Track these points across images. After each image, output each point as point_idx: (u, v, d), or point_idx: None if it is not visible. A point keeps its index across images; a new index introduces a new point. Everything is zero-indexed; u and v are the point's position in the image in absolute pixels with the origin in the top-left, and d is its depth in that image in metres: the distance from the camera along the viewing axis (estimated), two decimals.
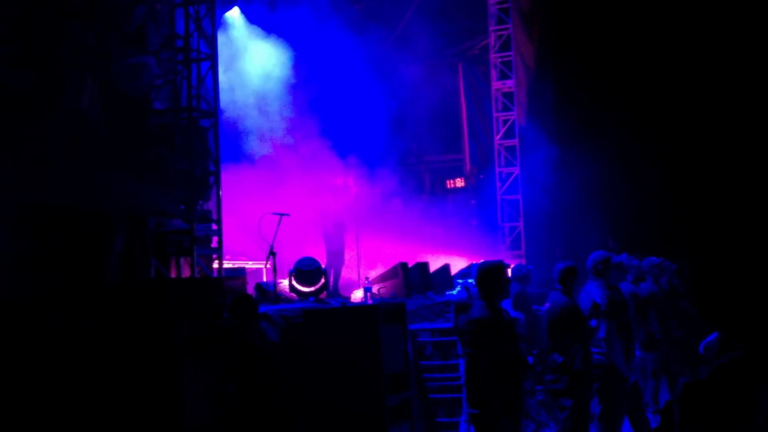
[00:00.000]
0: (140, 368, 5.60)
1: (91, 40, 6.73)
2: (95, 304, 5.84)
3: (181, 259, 8.12)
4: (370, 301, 8.59)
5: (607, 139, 13.56)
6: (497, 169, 15.24)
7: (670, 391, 8.87)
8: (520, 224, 14.87)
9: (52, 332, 5.38)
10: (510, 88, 15.19)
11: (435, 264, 12.33)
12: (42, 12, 6.27)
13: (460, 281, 9.49)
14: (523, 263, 13.41)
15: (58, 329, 5.42)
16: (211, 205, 8.52)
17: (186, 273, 8.03)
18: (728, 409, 1.58)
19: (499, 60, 15.29)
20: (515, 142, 15.05)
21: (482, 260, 10.40)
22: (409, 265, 10.64)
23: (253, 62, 13.04)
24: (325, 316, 7.54)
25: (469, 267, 11.16)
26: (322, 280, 8.79)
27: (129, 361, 5.58)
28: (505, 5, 15.15)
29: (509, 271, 10.20)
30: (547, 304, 6.59)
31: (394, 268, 10.55)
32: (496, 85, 15.34)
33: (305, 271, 8.72)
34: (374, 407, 7.10)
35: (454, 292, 9.54)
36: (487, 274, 5.79)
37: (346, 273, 11.79)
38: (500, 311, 5.81)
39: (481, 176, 16.32)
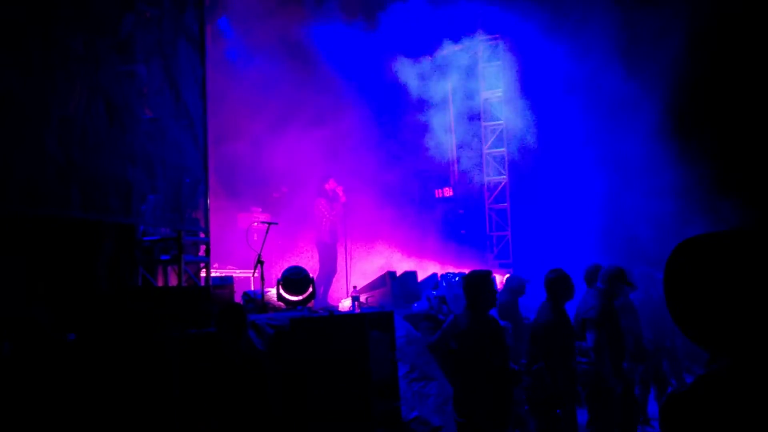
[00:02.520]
0: (128, 377, 5.57)
1: (80, 46, 6.70)
2: (83, 312, 5.80)
3: (169, 268, 8.08)
4: (357, 310, 8.57)
5: (596, 145, 13.61)
6: (485, 179, 15.30)
7: (657, 401, 8.89)
8: (508, 233, 14.92)
9: (40, 341, 5.34)
10: (498, 97, 15.26)
11: (423, 273, 12.34)
12: (30, 18, 6.24)
13: (434, 292, 9.55)
14: (511, 272, 13.48)
15: (47, 338, 5.38)
16: (199, 213, 8.49)
17: (173, 281, 7.99)
18: (710, 423, 1.58)
19: (488, 69, 15.37)
20: (503, 151, 15.11)
21: (452, 271, 10.45)
22: (398, 275, 10.65)
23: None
24: (312, 325, 7.52)
25: (433, 277, 11.23)
26: (310, 289, 8.76)
27: (116, 369, 5.55)
28: (494, 14, 15.23)
29: (503, 281, 10.25)
30: (533, 317, 6.61)
31: (383, 277, 10.56)
32: (484, 94, 15.42)
33: (293, 279, 8.69)
34: (362, 415, 7.08)
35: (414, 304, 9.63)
36: (474, 284, 5.79)
37: (334, 282, 11.78)
38: (488, 321, 5.81)
39: (469, 185, 16.36)
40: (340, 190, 11.50)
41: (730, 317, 1.62)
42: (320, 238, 11.29)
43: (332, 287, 11.46)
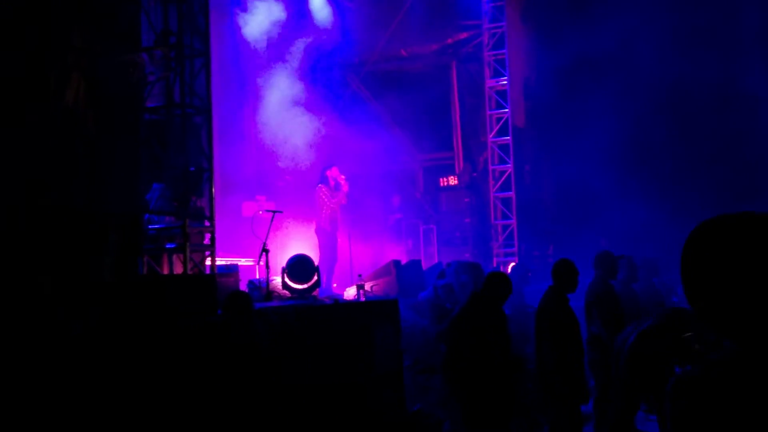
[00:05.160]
0: (134, 366, 5.59)
1: (77, 38, 6.69)
2: (89, 302, 5.83)
3: (174, 256, 8.10)
4: (362, 299, 8.58)
5: (601, 135, 13.58)
6: (490, 167, 15.26)
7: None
8: (513, 222, 14.90)
9: (46, 331, 5.36)
10: (503, 86, 15.21)
11: (428, 262, 12.36)
12: (25, 10, 6.24)
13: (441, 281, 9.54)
14: (516, 261, 13.48)
15: (53, 328, 5.40)
16: (203, 201, 8.51)
17: (178, 270, 8.02)
18: (724, 406, 1.58)
19: (493, 58, 15.31)
20: (508, 140, 15.07)
21: (457, 260, 10.46)
22: (402, 263, 10.66)
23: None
24: (318, 314, 7.55)
25: (438, 265, 11.26)
26: (315, 278, 8.78)
27: (123, 358, 5.58)
28: (499, 3, 15.17)
29: (508, 269, 10.28)
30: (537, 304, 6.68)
31: (387, 265, 10.57)
32: (489, 83, 15.36)
33: (298, 268, 8.72)
34: (365, 405, 7.11)
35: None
36: (500, 283, 5.94)
37: (339, 270, 11.80)
38: (494, 311, 5.87)
39: (474, 174, 16.35)
40: (342, 179, 11.49)
41: (747, 299, 1.61)
42: (321, 225, 11.29)
43: (334, 275, 11.48)
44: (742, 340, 1.62)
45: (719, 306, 1.65)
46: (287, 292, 8.67)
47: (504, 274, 6.19)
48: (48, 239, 6.23)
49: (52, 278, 6.11)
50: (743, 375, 1.57)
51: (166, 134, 8.10)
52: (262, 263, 8.69)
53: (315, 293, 8.78)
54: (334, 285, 11.20)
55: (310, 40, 13.88)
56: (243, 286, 8.77)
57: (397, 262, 10.48)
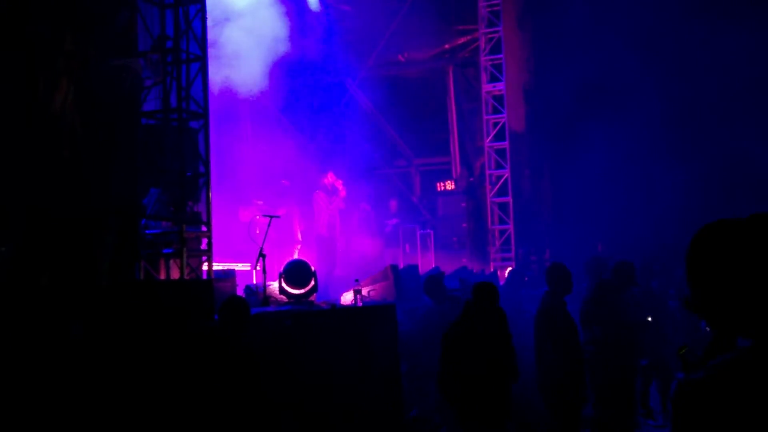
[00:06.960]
0: (131, 370, 5.57)
1: (70, 43, 6.67)
2: (86, 305, 5.80)
3: (170, 261, 8.08)
4: (359, 304, 8.56)
5: (598, 141, 13.58)
6: (487, 172, 15.28)
7: (660, 393, 8.90)
8: (510, 227, 14.91)
9: (42, 334, 5.34)
10: (500, 90, 15.23)
11: (425, 266, 12.33)
12: (15, 15, 6.22)
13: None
14: (513, 266, 13.48)
15: (49, 331, 5.38)
16: (200, 206, 8.48)
17: (175, 275, 7.99)
18: (730, 408, 1.56)
19: (490, 63, 15.33)
20: (505, 144, 15.09)
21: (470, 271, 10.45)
22: (400, 268, 10.64)
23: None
24: (314, 319, 7.53)
25: (435, 269, 11.27)
26: (312, 283, 8.75)
27: (120, 362, 5.55)
28: (495, 8, 15.20)
29: (506, 274, 10.30)
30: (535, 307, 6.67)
31: (385, 270, 10.54)
32: (486, 87, 15.38)
33: (295, 273, 8.69)
34: (363, 410, 7.09)
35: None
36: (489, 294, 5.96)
37: (336, 275, 11.77)
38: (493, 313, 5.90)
39: (471, 179, 16.35)
40: (339, 184, 11.49)
41: (756, 299, 1.61)
42: (318, 231, 11.30)
43: (332, 280, 11.46)
44: (753, 338, 1.62)
45: (727, 305, 1.65)
46: (284, 297, 8.64)
47: (488, 284, 6.20)
48: (45, 242, 6.21)
49: (51, 280, 6.09)
50: (748, 377, 1.57)
51: (163, 139, 8.08)
52: (259, 268, 8.66)
53: (312, 298, 8.75)
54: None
55: (308, 44, 13.87)
56: (240, 291, 8.74)
57: (394, 267, 10.47)
